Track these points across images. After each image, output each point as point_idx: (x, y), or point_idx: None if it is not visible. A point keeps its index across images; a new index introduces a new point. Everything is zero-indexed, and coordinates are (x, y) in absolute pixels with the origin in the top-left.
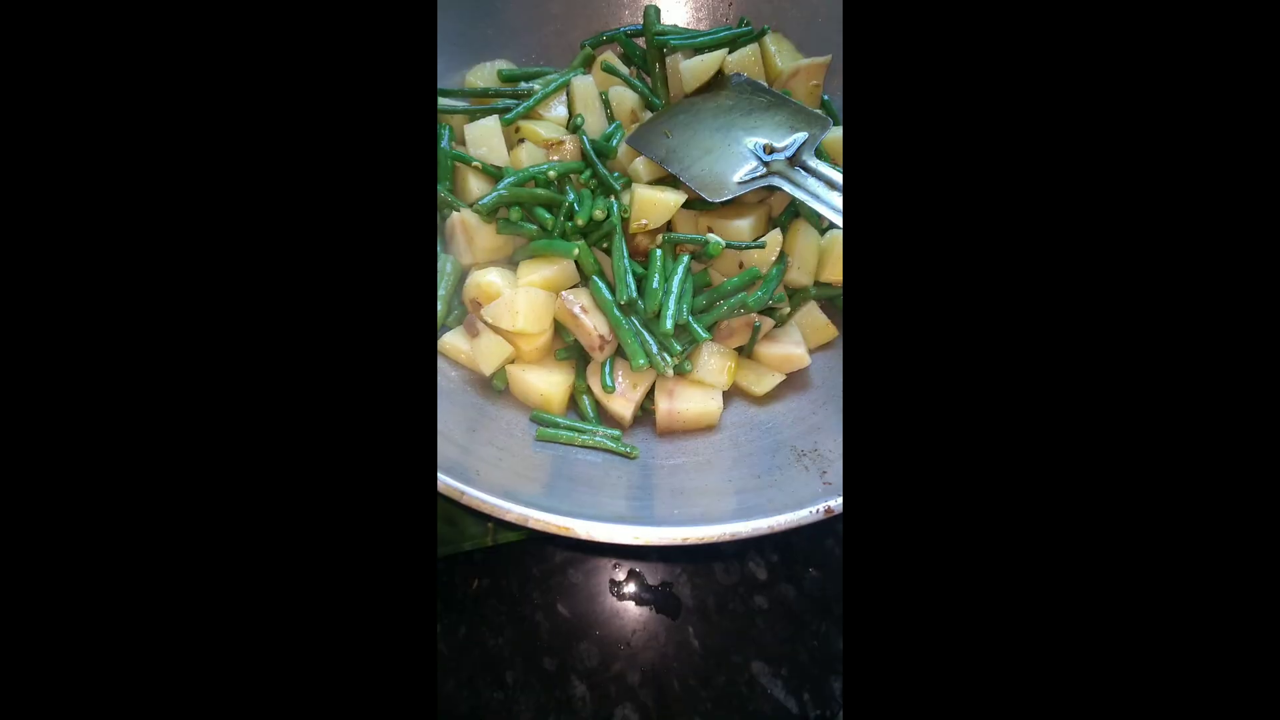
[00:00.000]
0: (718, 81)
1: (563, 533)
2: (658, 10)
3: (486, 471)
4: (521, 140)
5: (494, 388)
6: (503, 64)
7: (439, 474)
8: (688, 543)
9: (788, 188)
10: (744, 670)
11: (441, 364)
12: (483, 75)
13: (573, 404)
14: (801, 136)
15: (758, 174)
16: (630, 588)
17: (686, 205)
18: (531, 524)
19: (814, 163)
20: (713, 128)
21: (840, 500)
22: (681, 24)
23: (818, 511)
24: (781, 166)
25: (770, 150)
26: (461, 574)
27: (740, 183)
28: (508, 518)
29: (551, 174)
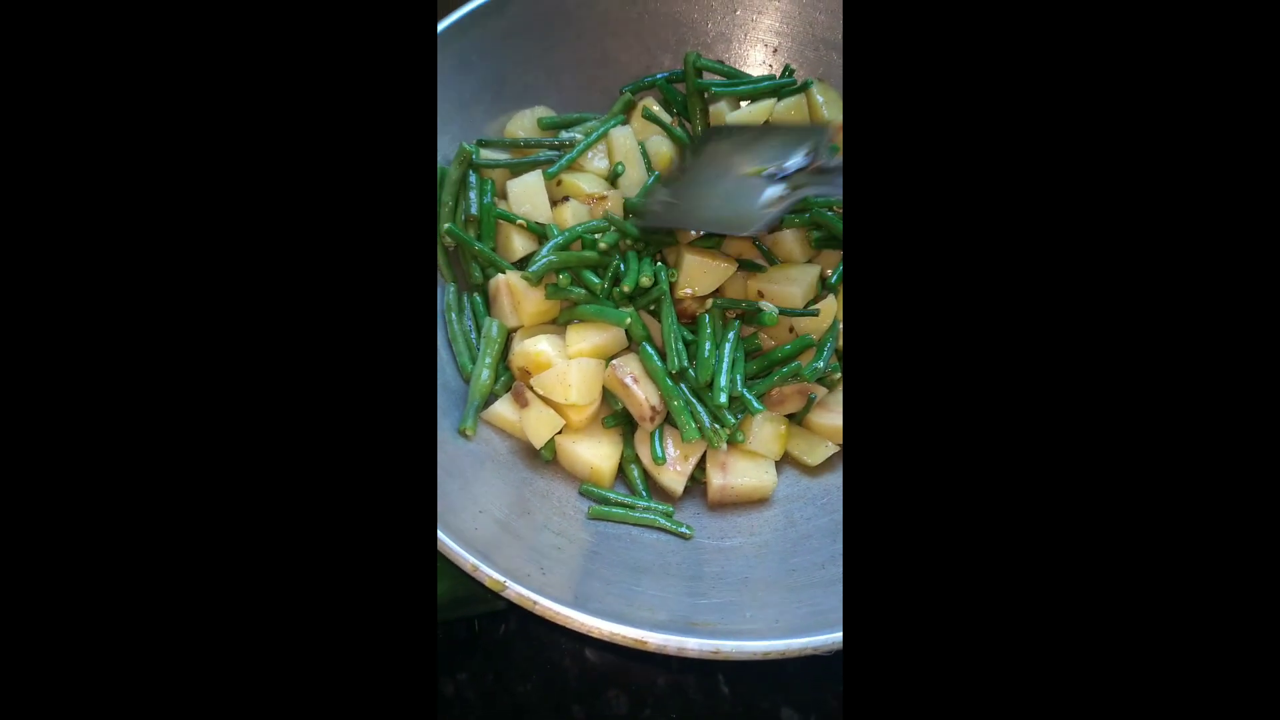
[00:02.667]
0: (705, 136)
1: (638, 646)
2: (698, 55)
3: (551, 568)
4: (566, 198)
5: (542, 458)
6: (543, 111)
7: (511, 583)
8: (769, 657)
9: (825, 190)
10: (773, 717)
11: (489, 434)
12: (523, 124)
13: (621, 474)
14: (806, 147)
15: (783, 194)
16: None
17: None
18: (616, 639)
19: (835, 160)
20: (713, 176)
21: None
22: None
23: None
24: (804, 178)
25: (780, 172)
26: (489, 620)
27: (766, 206)
28: (595, 634)
29: (602, 244)
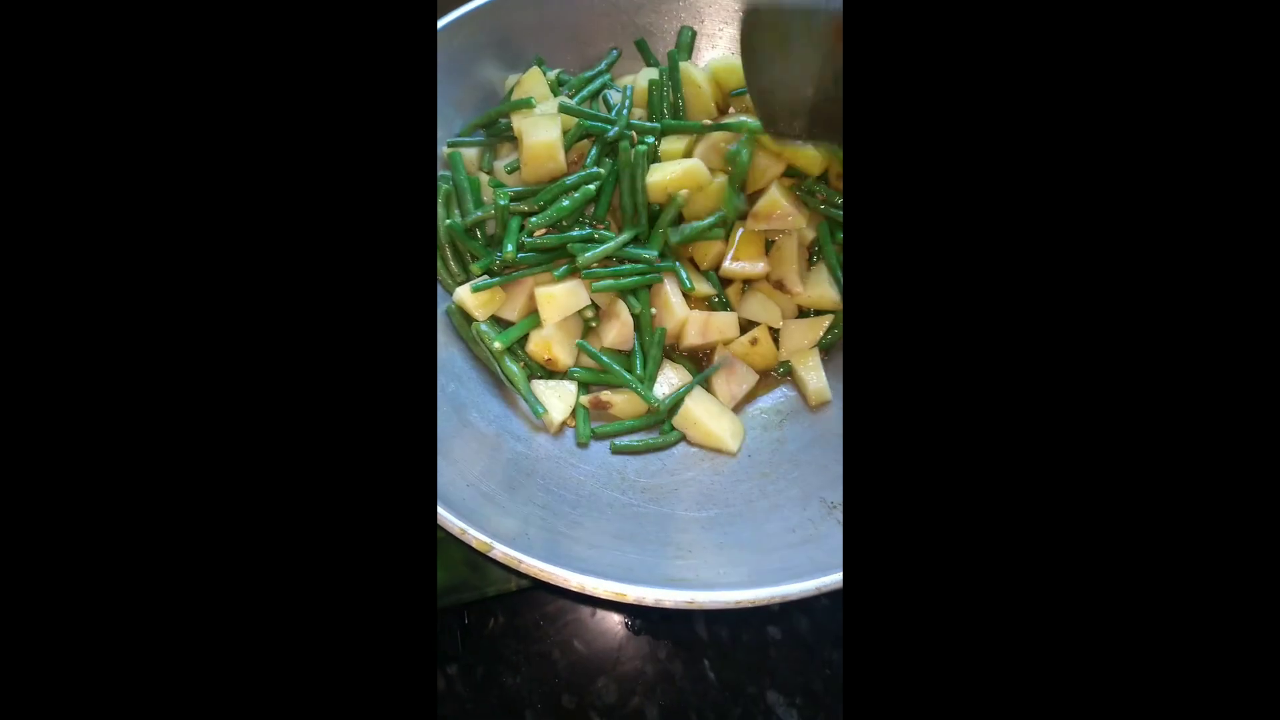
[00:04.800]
0: None
1: (616, 599)
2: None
3: (535, 535)
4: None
5: (545, 434)
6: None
7: (501, 545)
8: (740, 606)
9: None
10: (759, 701)
11: (479, 418)
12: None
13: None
14: None
15: None
16: (645, 622)
17: None
18: (598, 593)
19: None
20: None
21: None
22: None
23: None
24: None
25: None
26: (478, 614)
27: None
28: (575, 588)
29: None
